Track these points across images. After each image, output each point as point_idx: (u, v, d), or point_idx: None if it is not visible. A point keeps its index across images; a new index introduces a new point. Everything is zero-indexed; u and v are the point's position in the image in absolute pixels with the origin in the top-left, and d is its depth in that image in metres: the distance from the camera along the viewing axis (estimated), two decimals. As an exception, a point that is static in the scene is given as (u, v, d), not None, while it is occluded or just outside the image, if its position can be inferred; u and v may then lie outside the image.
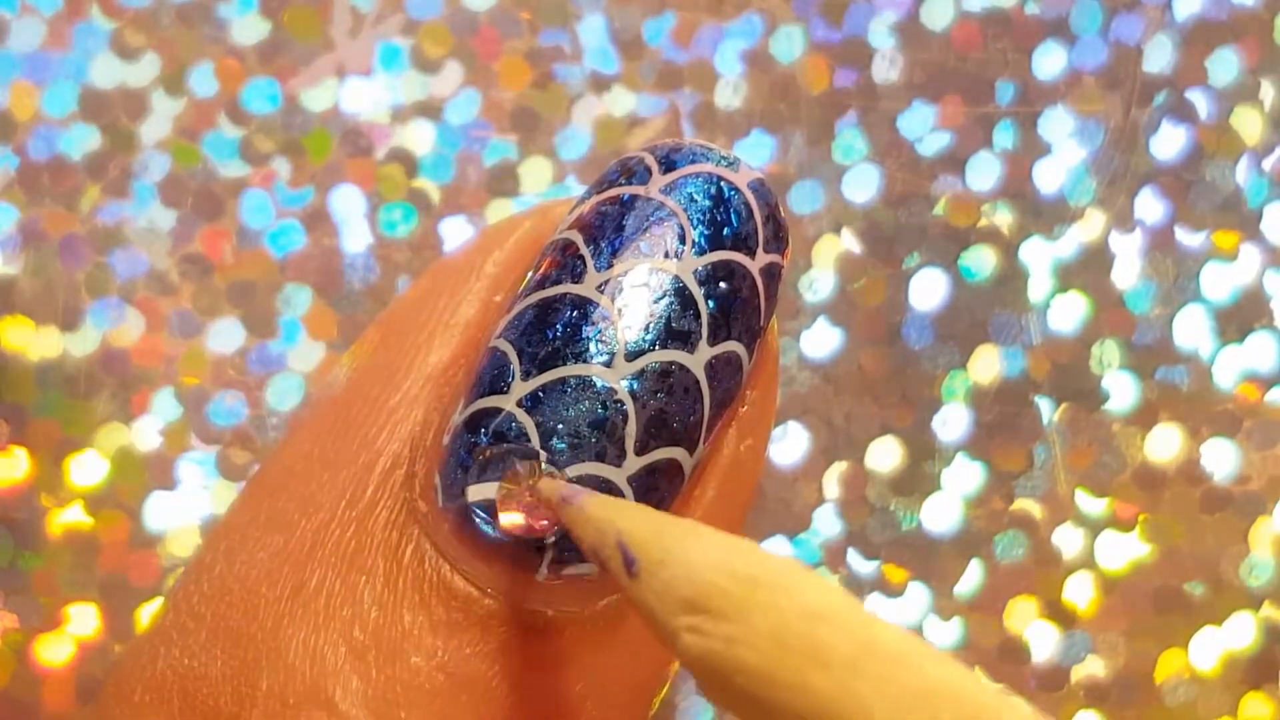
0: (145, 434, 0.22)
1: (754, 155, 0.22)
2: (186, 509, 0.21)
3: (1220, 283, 0.22)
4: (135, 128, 0.22)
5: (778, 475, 0.22)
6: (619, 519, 0.13)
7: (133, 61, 0.22)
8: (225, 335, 0.22)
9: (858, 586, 0.22)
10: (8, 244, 0.22)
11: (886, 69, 0.23)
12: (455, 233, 0.22)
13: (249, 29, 0.22)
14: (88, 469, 0.22)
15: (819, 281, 0.22)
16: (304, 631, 0.15)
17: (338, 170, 0.22)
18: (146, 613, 0.21)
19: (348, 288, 0.22)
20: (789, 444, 0.22)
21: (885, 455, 0.22)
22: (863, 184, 0.22)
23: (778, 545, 0.22)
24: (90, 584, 0.21)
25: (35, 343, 0.22)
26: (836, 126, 0.22)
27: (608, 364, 0.15)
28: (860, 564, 0.22)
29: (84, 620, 0.21)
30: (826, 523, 0.22)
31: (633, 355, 0.15)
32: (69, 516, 0.21)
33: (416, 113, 0.22)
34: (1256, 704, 0.22)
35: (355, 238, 0.22)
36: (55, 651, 0.21)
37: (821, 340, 0.22)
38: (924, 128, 0.22)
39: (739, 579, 0.12)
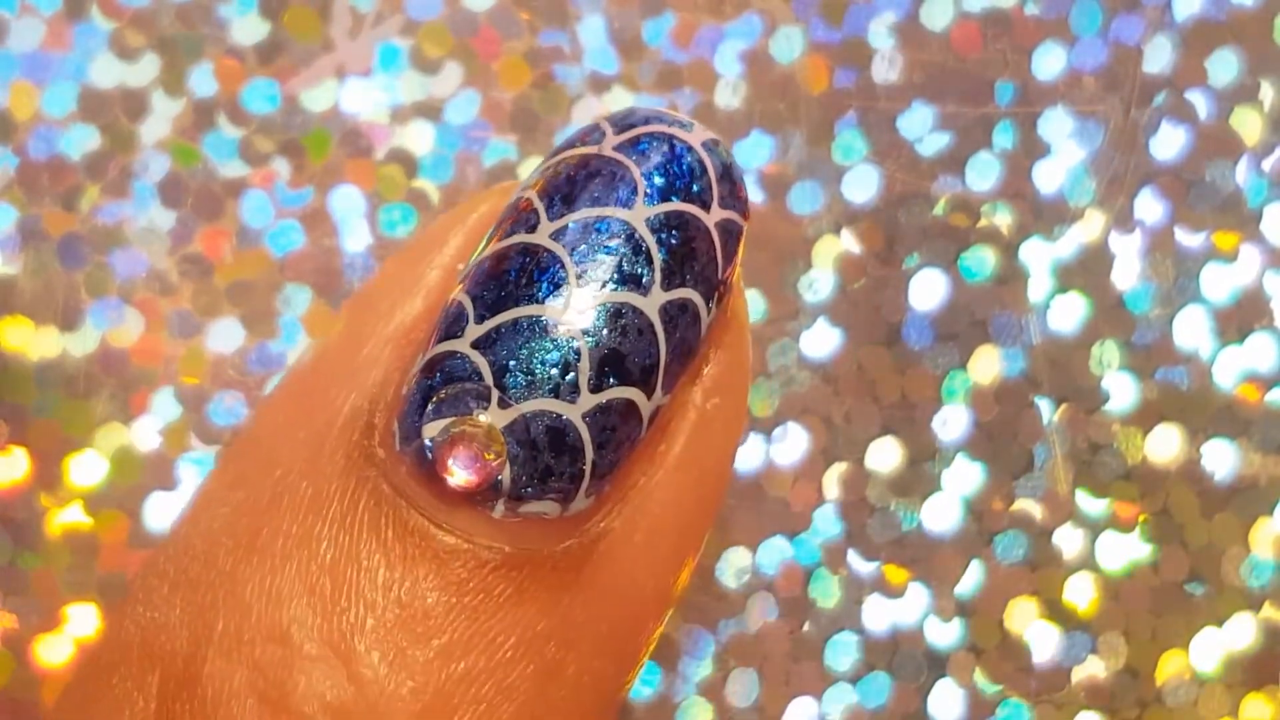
0: (145, 434, 0.22)
1: (753, 155, 0.22)
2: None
3: (1220, 283, 0.22)
4: (135, 128, 0.22)
5: (778, 475, 0.22)
6: None
7: (133, 61, 0.22)
8: (225, 335, 0.22)
9: (858, 587, 0.22)
10: (8, 244, 0.22)
11: (886, 69, 0.23)
12: (455, 233, 0.22)
13: (249, 29, 0.22)
14: (87, 469, 0.22)
15: (819, 281, 0.22)
16: (260, 574, 0.16)
17: (338, 170, 0.22)
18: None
19: (347, 288, 0.22)
20: (789, 444, 0.22)
21: (885, 455, 0.22)
22: (863, 184, 0.22)
23: (778, 545, 0.22)
24: (90, 584, 0.21)
25: (35, 343, 0.22)
26: (836, 127, 0.22)
27: (560, 305, 0.16)
28: (860, 564, 0.22)
29: (83, 620, 0.21)
30: (826, 523, 0.22)
31: (585, 297, 0.16)
32: (68, 516, 0.21)
33: (416, 113, 0.22)
34: (1257, 705, 0.22)
35: (355, 238, 0.22)
36: (55, 651, 0.21)
37: (821, 340, 0.22)
38: (924, 128, 0.22)
39: None
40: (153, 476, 0.22)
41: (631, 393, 0.16)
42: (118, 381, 0.22)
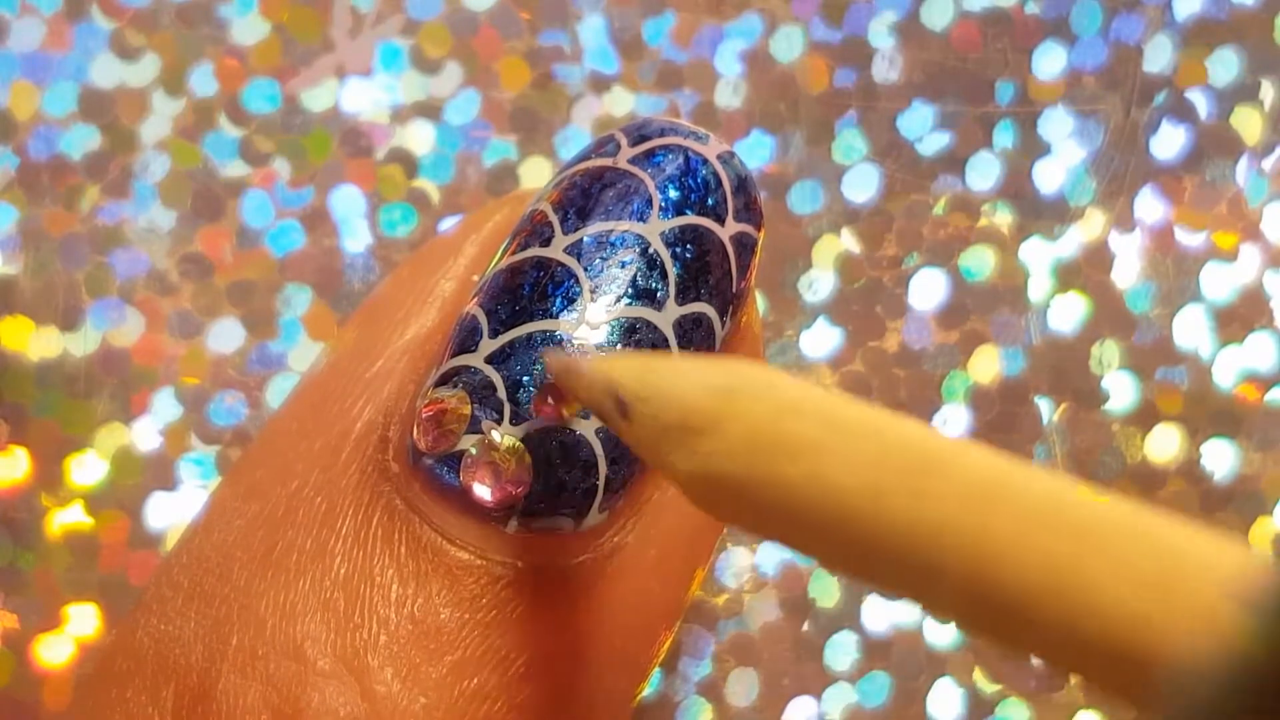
0: (145, 434, 0.22)
1: (754, 155, 0.22)
2: (186, 509, 0.21)
3: (1220, 283, 0.22)
4: (135, 128, 0.22)
5: (778, 475, 0.22)
6: (611, 370, 0.14)
7: (133, 61, 0.22)
8: (225, 335, 0.22)
9: (857, 586, 0.22)
10: (8, 244, 0.22)
11: (886, 69, 0.23)
12: (455, 233, 0.22)
13: (249, 29, 0.22)
14: (88, 469, 0.22)
15: (819, 281, 0.22)
16: (274, 588, 0.16)
17: (338, 170, 0.22)
18: (146, 613, 0.21)
19: (348, 288, 0.22)
20: (789, 444, 0.22)
21: (885, 455, 0.22)
22: (863, 184, 0.22)
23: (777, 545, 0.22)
24: (90, 584, 0.21)
25: (35, 343, 0.22)
26: (836, 126, 0.22)
27: (574, 320, 0.16)
28: (860, 564, 0.22)
29: (84, 620, 0.21)
30: (826, 523, 0.22)
31: (599, 311, 0.16)
32: (69, 516, 0.21)
33: (416, 113, 0.22)
34: (1256, 704, 0.22)
35: (355, 238, 0.22)
36: (55, 651, 0.21)
37: (821, 340, 0.22)
38: (924, 128, 0.22)
39: (713, 392, 0.12)
40: (153, 476, 0.22)
41: None
42: (118, 381, 0.22)
